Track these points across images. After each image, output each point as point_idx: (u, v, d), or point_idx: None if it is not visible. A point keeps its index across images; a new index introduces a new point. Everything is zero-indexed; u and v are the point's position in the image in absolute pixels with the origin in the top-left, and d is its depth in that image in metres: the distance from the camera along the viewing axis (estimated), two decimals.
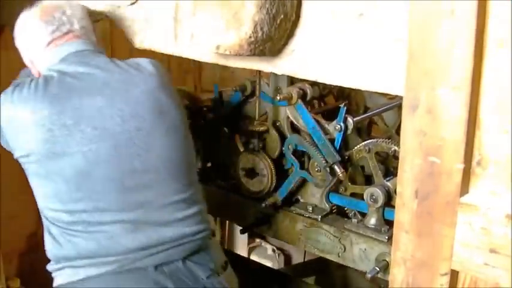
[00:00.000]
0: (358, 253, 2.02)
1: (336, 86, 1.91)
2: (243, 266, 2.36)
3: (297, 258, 3.64)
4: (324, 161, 2.03)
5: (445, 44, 0.87)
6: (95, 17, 1.96)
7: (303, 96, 2.10)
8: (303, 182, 2.20)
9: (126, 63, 1.75)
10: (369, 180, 2.08)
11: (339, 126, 2.03)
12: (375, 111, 2.29)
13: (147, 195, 1.69)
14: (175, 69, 3.65)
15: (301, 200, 2.23)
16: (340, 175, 2.03)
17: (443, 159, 0.92)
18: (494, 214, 0.90)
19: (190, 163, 1.80)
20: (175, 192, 1.73)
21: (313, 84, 2.11)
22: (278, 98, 2.08)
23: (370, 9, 1.17)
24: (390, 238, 1.91)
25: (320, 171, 2.08)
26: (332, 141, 2.06)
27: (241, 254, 3.60)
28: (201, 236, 1.78)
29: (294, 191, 2.22)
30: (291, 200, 2.24)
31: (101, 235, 1.66)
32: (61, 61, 1.72)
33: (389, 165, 2.08)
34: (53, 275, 1.76)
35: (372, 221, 2.00)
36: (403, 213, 0.98)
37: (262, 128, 2.18)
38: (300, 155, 2.16)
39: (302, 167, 2.15)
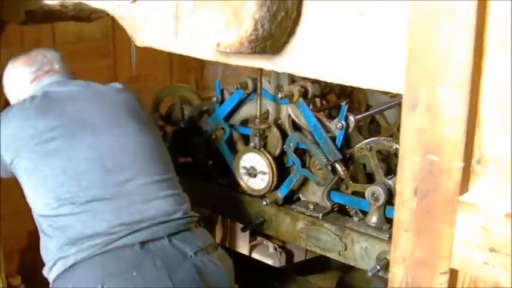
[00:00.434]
0: (359, 251, 2.02)
1: (337, 84, 1.91)
2: (244, 264, 2.36)
3: (299, 257, 3.64)
4: (325, 159, 2.03)
5: (445, 43, 0.87)
6: (97, 15, 1.96)
7: (304, 94, 2.10)
8: (304, 180, 2.19)
9: (99, 84, 2.08)
10: (370, 179, 2.08)
11: (340, 124, 2.03)
12: (376, 109, 2.29)
13: (127, 174, 1.85)
14: (177, 66, 3.66)
15: (303, 198, 2.23)
16: (342, 173, 2.03)
17: (442, 157, 0.91)
18: (494, 213, 0.90)
19: (164, 155, 2.00)
20: (153, 173, 1.90)
21: (315, 82, 2.10)
22: (279, 95, 2.08)
23: (371, 7, 1.16)
24: (391, 236, 1.90)
25: (321, 170, 2.07)
26: (333, 139, 2.05)
27: (243, 252, 3.60)
28: (183, 217, 1.87)
29: (295, 189, 2.22)
30: (292, 198, 2.24)
31: (86, 215, 1.77)
32: (44, 87, 2.00)
33: (390, 163, 2.07)
34: (49, 277, 1.81)
35: (373, 219, 2.00)
36: (403, 212, 0.98)
37: (263, 126, 2.18)
38: (302, 153, 2.16)
39: (303, 165, 2.14)
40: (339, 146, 2.04)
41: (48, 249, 1.81)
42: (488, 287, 0.94)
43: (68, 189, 1.79)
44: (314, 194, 2.19)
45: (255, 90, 2.21)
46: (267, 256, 3.70)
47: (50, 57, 2.10)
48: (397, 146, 1.90)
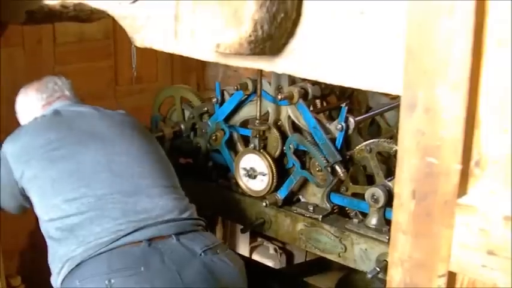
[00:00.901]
0: (358, 253, 2.02)
1: (337, 85, 1.91)
2: (244, 266, 2.35)
3: (299, 258, 3.63)
4: (325, 161, 2.02)
5: (444, 43, 0.86)
6: (97, 15, 1.96)
7: (304, 95, 2.09)
8: (304, 182, 2.19)
9: (106, 108, 2.19)
10: (370, 180, 2.07)
11: (340, 125, 2.03)
12: (376, 111, 2.29)
13: (134, 179, 1.91)
14: (178, 67, 3.66)
15: (302, 200, 2.23)
16: (341, 175, 2.02)
17: (441, 159, 0.91)
18: (493, 215, 0.89)
19: (170, 170, 2.06)
20: (160, 180, 1.95)
21: (315, 83, 2.10)
22: (279, 97, 2.08)
23: (371, 8, 1.16)
24: None
25: (321, 171, 2.07)
26: (333, 140, 2.05)
27: (243, 254, 3.59)
28: (190, 218, 1.90)
29: (295, 191, 2.22)
30: (291, 199, 2.23)
31: (93, 213, 1.80)
32: (54, 108, 2.11)
33: (391, 165, 2.07)
34: (58, 282, 1.82)
35: (373, 221, 1.99)
36: (401, 214, 0.97)
37: (263, 127, 2.18)
38: (301, 155, 2.16)
39: (303, 166, 2.14)
40: (339, 147, 2.04)
41: (57, 254, 1.81)
42: None
43: (76, 189, 1.84)
44: (314, 195, 2.19)
45: (255, 91, 2.21)
46: (268, 257, 3.69)
47: (60, 85, 2.21)
48: (397, 147, 1.89)
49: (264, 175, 2.20)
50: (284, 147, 2.16)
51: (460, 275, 0.96)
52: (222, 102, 2.36)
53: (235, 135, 2.35)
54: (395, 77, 1.06)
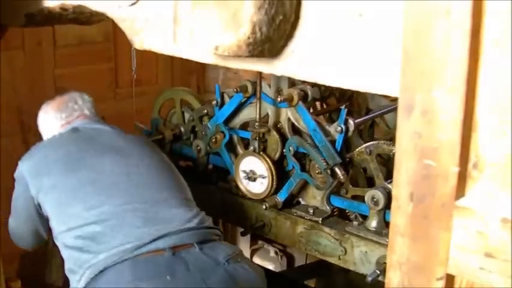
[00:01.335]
0: (358, 256, 2.01)
1: (337, 87, 1.91)
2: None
3: (300, 261, 3.62)
4: (324, 163, 2.02)
5: (441, 44, 0.86)
6: (97, 18, 1.95)
7: (303, 97, 2.09)
8: (304, 184, 2.19)
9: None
10: (370, 183, 2.07)
11: (339, 128, 2.02)
12: (376, 113, 2.28)
13: (152, 190, 1.94)
14: (178, 70, 3.65)
15: (302, 202, 2.23)
16: (341, 177, 2.02)
17: (438, 162, 0.90)
18: (491, 218, 0.89)
19: (185, 187, 2.09)
20: (176, 191, 1.98)
21: (314, 85, 2.10)
22: (279, 99, 2.07)
23: (370, 10, 1.16)
24: None
25: (321, 173, 2.07)
26: (333, 143, 2.04)
27: None
28: (210, 227, 1.93)
29: (295, 193, 2.21)
30: (291, 202, 2.23)
31: (115, 220, 1.81)
32: (73, 126, 2.15)
33: (391, 167, 2.06)
34: (79, 286, 1.79)
35: (373, 223, 1.99)
36: (399, 217, 0.97)
37: (263, 130, 2.17)
38: (301, 157, 2.15)
39: (303, 169, 2.14)
40: (339, 149, 2.03)
41: (77, 262, 1.80)
42: None
43: (97, 198, 1.85)
44: (314, 198, 2.18)
45: (254, 93, 2.21)
46: (268, 260, 3.68)
47: (81, 104, 2.23)
48: None
49: (263, 178, 2.20)
50: (284, 150, 2.16)
51: (458, 277, 0.95)
52: (221, 104, 2.36)
53: (235, 138, 2.35)
54: (393, 79, 1.06)
